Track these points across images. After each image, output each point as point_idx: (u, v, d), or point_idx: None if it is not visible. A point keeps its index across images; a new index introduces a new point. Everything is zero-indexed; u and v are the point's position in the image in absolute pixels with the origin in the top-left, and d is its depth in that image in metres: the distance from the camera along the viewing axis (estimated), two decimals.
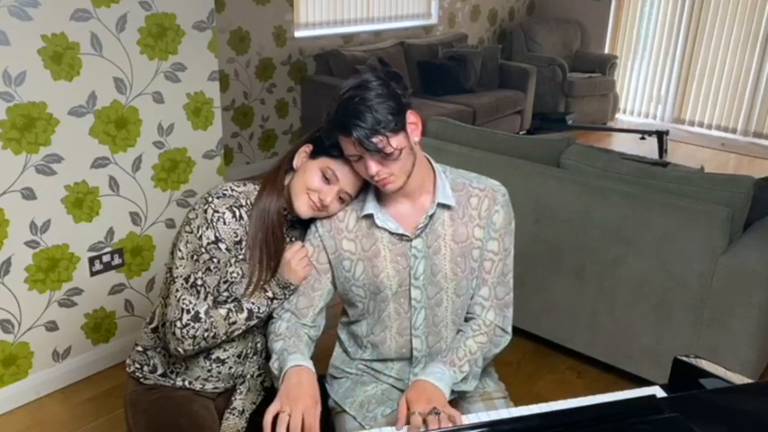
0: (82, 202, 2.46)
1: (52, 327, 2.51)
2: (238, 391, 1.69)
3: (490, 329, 1.57)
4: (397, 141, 1.37)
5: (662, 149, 5.16)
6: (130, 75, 2.47)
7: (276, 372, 1.43)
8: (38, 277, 2.41)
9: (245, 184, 1.54)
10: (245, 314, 1.52)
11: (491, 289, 1.58)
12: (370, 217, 1.51)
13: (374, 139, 1.34)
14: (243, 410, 1.67)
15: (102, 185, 2.50)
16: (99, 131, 2.44)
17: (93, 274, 2.56)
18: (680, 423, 1.18)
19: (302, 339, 1.52)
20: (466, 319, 1.60)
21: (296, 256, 1.52)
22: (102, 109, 2.42)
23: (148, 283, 2.76)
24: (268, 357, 1.68)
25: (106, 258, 2.58)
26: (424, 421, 1.30)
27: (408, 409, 1.34)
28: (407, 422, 1.33)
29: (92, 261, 2.54)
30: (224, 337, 1.52)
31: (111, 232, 2.57)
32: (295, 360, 1.41)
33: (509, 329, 1.62)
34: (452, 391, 1.46)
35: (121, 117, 2.48)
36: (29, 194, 2.31)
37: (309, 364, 1.42)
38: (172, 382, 1.66)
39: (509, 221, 1.58)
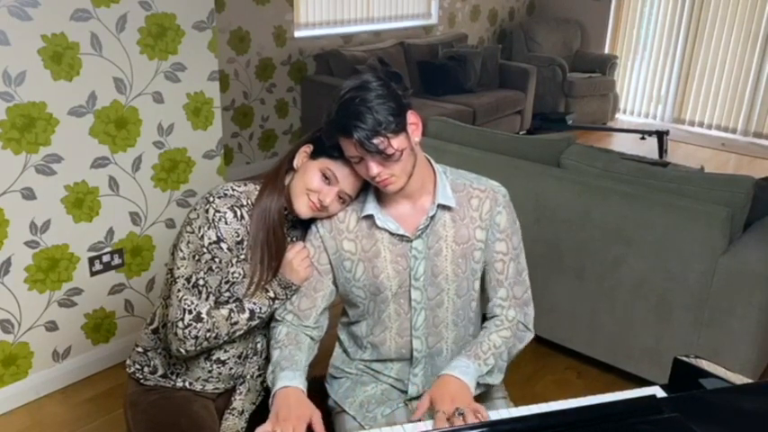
0: (82, 202, 2.46)
1: (52, 327, 2.51)
2: (238, 391, 1.69)
3: (513, 324, 1.56)
4: (397, 142, 1.37)
5: (662, 149, 5.16)
6: (130, 75, 2.47)
7: (270, 385, 1.45)
8: (38, 277, 2.41)
9: (245, 184, 1.54)
10: (246, 314, 1.52)
11: (508, 289, 1.57)
12: (370, 218, 1.51)
13: (375, 141, 1.34)
14: (242, 411, 1.67)
15: (102, 185, 2.50)
16: (99, 131, 2.44)
17: (93, 274, 2.56)
18: (680, 423, 1.18)
19: (301, 346, 1.52)
20: (486, 318, 1.60)
21: (298, 256, 1.52)
22: (102, 109, 2.42)
23: (148, 284, 2.76)
24: (268, 358, 1.69)
25: (106, 258, 2.58)
26: (448, 419, 1.30)
27: (432, 407, 1.35)
28: (424, 419, 1.34)
29: (92, 261, 2.54)
30: (226, 338, 1.52)
31: (110, 232, 2.57)
32: (283, 381, 1.41)
33: (531, 327, 1.60)
34: (478, 384, 1.46)
35: (121, 117, 2.48)
36: (29, 194, 2.31)
37: (297, 383, 1.42)
38: (172, 383, 1.66)
39: (513, 221, 1.58)
